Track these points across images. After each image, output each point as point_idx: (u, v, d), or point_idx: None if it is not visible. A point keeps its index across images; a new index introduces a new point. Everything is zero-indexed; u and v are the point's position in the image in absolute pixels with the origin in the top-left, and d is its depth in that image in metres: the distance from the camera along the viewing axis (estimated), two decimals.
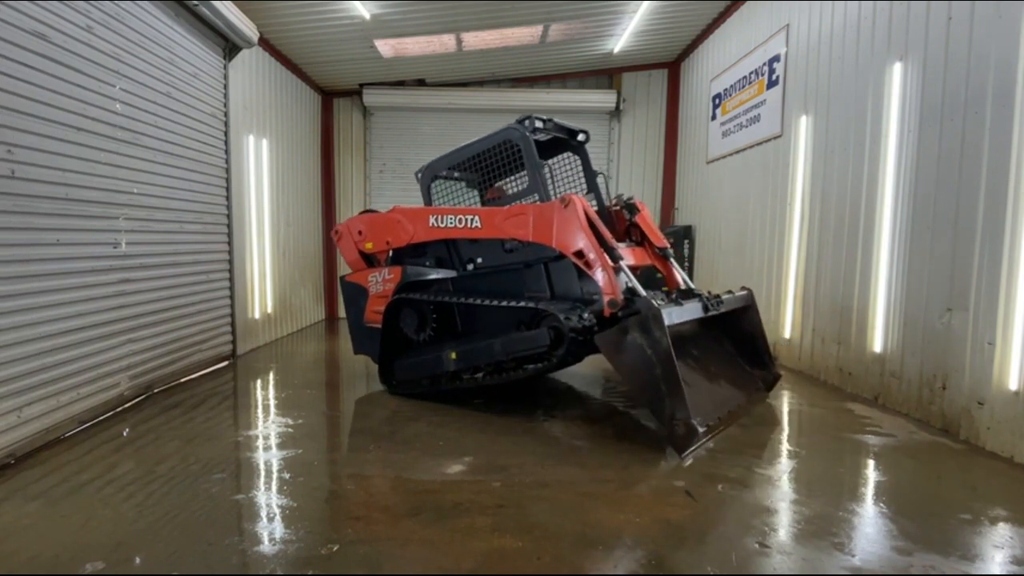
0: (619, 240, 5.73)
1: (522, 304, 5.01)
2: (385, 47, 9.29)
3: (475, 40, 9.28)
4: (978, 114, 4.47)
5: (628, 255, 5.32)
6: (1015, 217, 4.15)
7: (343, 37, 8.76)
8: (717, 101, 9.35)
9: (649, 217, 5.90)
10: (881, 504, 3.56)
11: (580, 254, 4.94)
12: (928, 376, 4.96)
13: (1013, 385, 4.15)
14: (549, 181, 5.82)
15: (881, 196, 5.53)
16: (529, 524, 3.24)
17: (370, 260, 6.40)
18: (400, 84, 11.22)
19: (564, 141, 6.07)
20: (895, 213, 5.38)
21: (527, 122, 5.42)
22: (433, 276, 5.82)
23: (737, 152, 8.63)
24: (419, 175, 6.20)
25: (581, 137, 6.09)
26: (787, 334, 7.22)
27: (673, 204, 11.32)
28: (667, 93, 11.36)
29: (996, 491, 3.71)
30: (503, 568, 2.82)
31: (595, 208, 5.72)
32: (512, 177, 5.92)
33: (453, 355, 5.41)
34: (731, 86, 8.82)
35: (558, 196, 5.40)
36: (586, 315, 4.85)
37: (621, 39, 9.65)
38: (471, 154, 5.78)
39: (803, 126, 6.92)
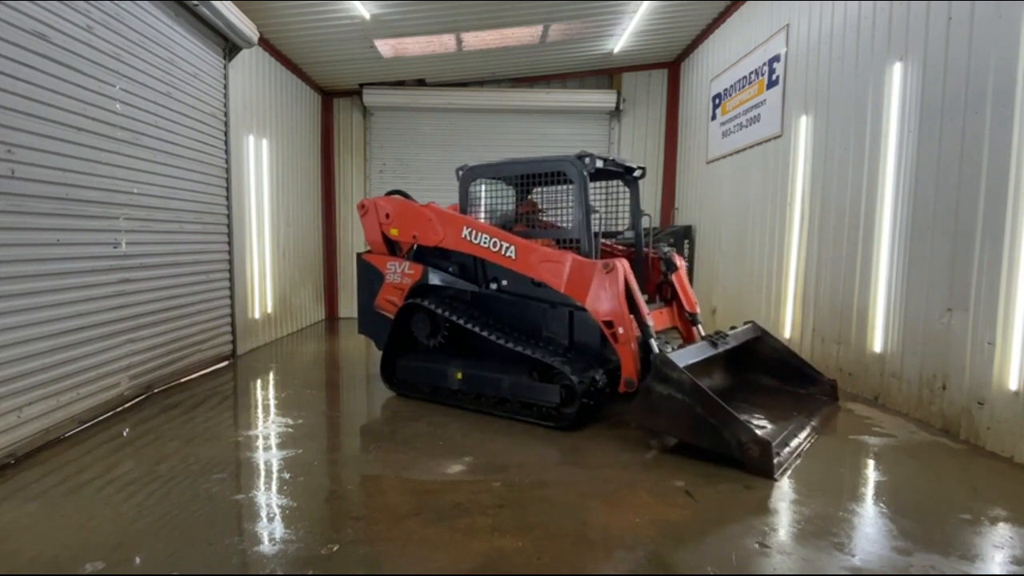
0: (649, 298, 5.61)
1: (537, 357, 4.93)
2: (385, 47, 9.29)
3: (475, 40, 9.28)
4: (978, 114, 4.47)
5: (654, 319, 5.13)
6: (1015, 217, 4.15)
7: (343, 37, 8.76)
8: (717, 101, 9.35)
9: (685, 277, 5.75)
10: (881, 504, 3.56)
11: (610, 324, 4.76)
12: (928, 376, 4.96)
13: (1013, 385, 4.15)
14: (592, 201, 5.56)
15: (881, 196, 5.53)
16: (529, 524, 3.23)
17: (391, 244, 6.29)
18: (400, 84, 11.22)
19: (618, 173, 5.84)
20: (895, 213, 5.38)
21: (587, 160, 5.08)
22: (452, 284, 5.73)
23: (737, 152, 8.63)
24: (459, 173, 5.95)
25: (637, 173, 5.88)
26: (787, 334, 7.22)
27: (673, 204, 11.32)
28: (667, 93, 11.36)
29: (996, 491, 3.70)
30: (503, 568, 2.82)
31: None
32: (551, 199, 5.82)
33: (459, 375, 5.37)
34: (731, 86, 8.82)
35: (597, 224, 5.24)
36: (600, 378, 4.81)
37: (621, 39, 9.65)
38: (519, 172, 5.55)
39: (803, 126, 6.92)
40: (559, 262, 5.02)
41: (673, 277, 5.65)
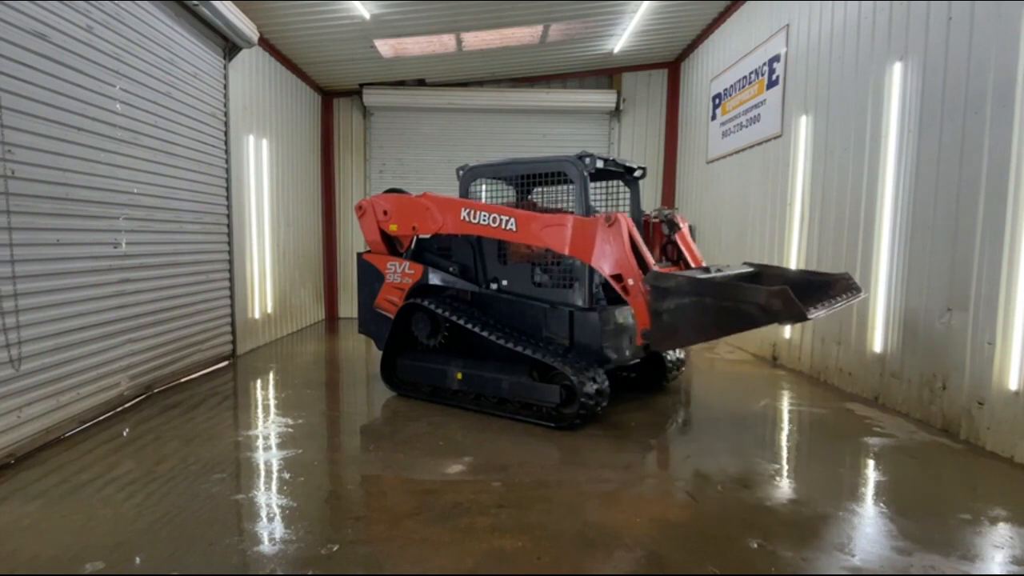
0: (655, 258, 5.55)
1: (537, 357, 4.92)
2: (385, 47, 9.29)
3: (475, 40, 9.28)
4: (978, 114, 4.47)
5: None
6: (1015, 217, 4.15)
7: (343, 37, 8.76)
8: (717, 101, 9.35)
9: (688, 235, 5.72)
10: (881, 504, 3.56)
11: (619, 278, 4.72)
12: (928, 376, 4.96)
13: (1013, 385, 4.15)
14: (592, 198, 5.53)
15: (881, 196, 5.53)
16: (529, 524, 3.24)
17: (391, 242, 6.30)
18: (400, 84, 11.22)
19: (619, 173, 5.84)
20: (895, 213, 5.38)
21: (587, 160, 5.08)
22: (453, 284, 5.72)
23: (737, 152, 8.63)
24: (460, 173, 5.94)
25: (638, 173, 5.88)
26: (787, 334, 7.22)
27: (673, 204, 11.31)
28: (667, 93, 11.36)
29: (996, 491, 3.71)
30: (503, 568, 2.82)
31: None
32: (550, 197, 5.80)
33: (459, 375, 5.38)
34: (731, 86, 8.82)
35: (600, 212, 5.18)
36: (602, 380, 4.81)
37: (621, 39, 9.65)
38: (520, 172, 5.54)
39: (803, 126, 6.92)
40: (561, 225, 5.01)
41: (676, 237, 5.59)
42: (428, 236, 6.10)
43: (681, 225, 5.61)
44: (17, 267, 4.20)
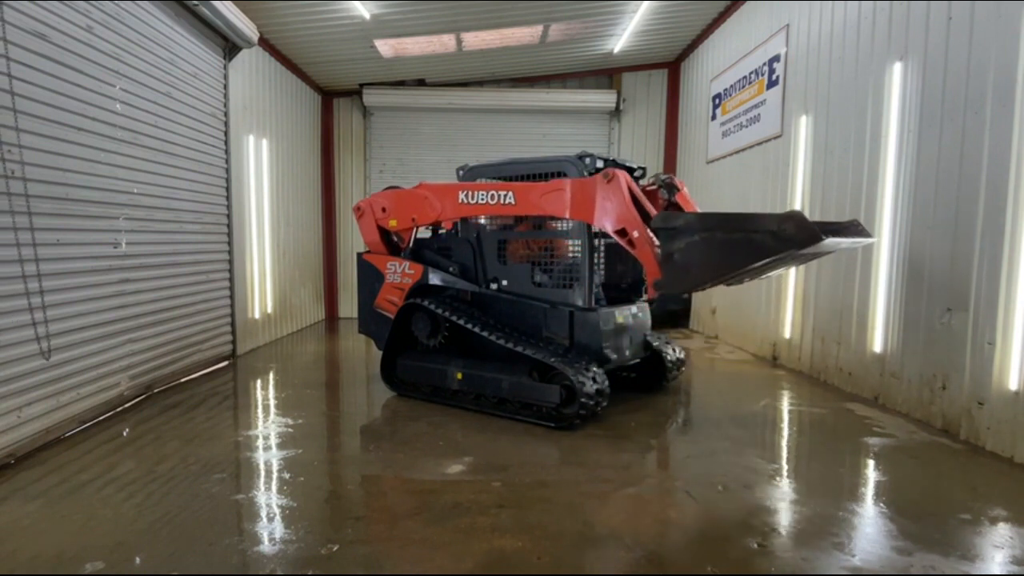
0: None
1: (537, 357, 4.92)
2: (385, 47, 9.29)
3: (475, 40, 9.28)
4: (978, 114, 4.47)
5: None
6: (1015, 217, 4.15)
7: (343, 37, 8.76)
8: (717, 101, 9.35)
9: (689, 196, 5.64)
10: (881, 504, 3.56)
11: (623, 233, 4.69)
12: (928, 376, 4.96)
13: (1013, 385, 4.15)
14: None
15: (881, 196, 5.53)
16: (529, 524, 3.24)
17: (390, 241, 6.30)
18: (400, 84, 11.22)
19: None
20: (895, 213, 5.38)
21: (587, 160, 5.07)
22: (453, 284, 5.71)
23: (737, 152, 8.63)
24: (460, 173, 5.96)
25: (638, 173, 5.82)
26: (787, 334, 7.22)
27: None
28: (667, 93, 11.36)
29: (996, 491, 3.71)
30: (503, 568, 2.82)
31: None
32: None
33: (459, 375, 5.37)
34: (731, 86, 8.82)
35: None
36: (602, 380, 4.81)
37: (621, 39, 9.65)
38: (519, 172, 5.51)
39: (803, 126, 6.92)
40: (559, 190, 5.01)
41: (677, 198, 5.53)
42: (428, 236, 6.11)
43: (680, 187, 5.54)
44: (17, 267, 4.19)
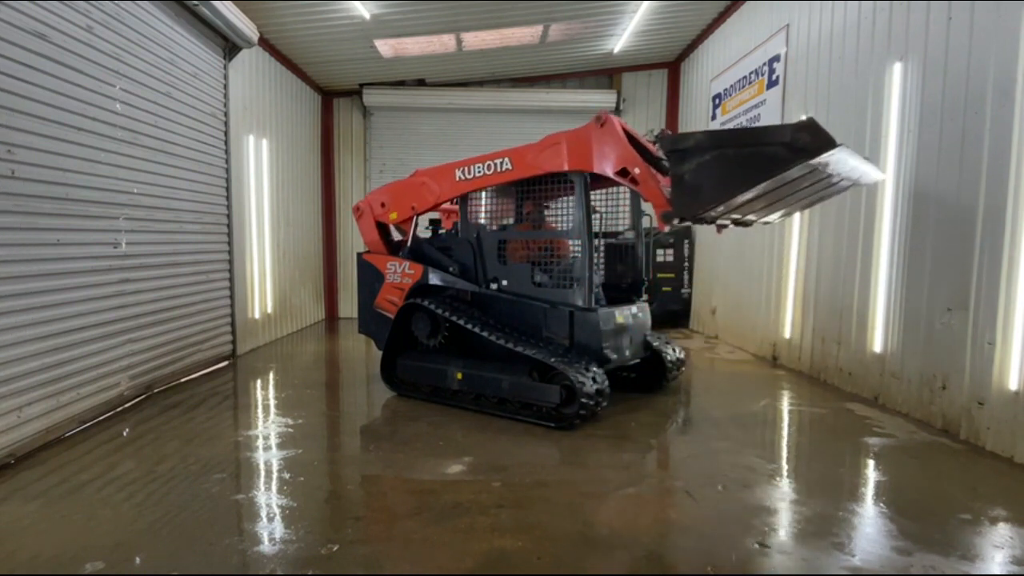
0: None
1: (537, 357, 4.92)
2: (385, 47, 9.29)
3: (475, 40, 9.28)
4: (978, 114, 4.47)
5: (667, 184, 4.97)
6: (1015, 217, 4.15)
7: (343, 37, 8.76)
8: (717, 101, 9.35)
9: None
10: (881, 504, 3.56)
11: (624, 172, 4.66)
12: (928, 376, 4.95)
13: (1013, 385, 4.15)
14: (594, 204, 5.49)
15: (881, 196, 5.53)
16: (529, 524, 3.23)
17: (390, 241, 6.29)
18: (400, 84, 11.22)
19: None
20: (895, 213, 5.38)
21: None
22: (453, 284, 5.71)
23: None
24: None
25: None
26: (787, 334, 7.22)
27: None
28: (667, 93, 11.36)
29: (996, 491, 3.70)
30: (503, 568, 2.82)
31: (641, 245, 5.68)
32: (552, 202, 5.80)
33: (459, 375, 5.37)
34: (731, 86, 8.82)
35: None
36: (601, 380, 4.81)
37: (621, 39, 9.65)
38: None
39: None
40: (556, 143, 5.05)
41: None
42: (429, 236, 6.10)
43: (670, 132, 5.45)
44: (17, 267, 4.19)
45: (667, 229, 4.60)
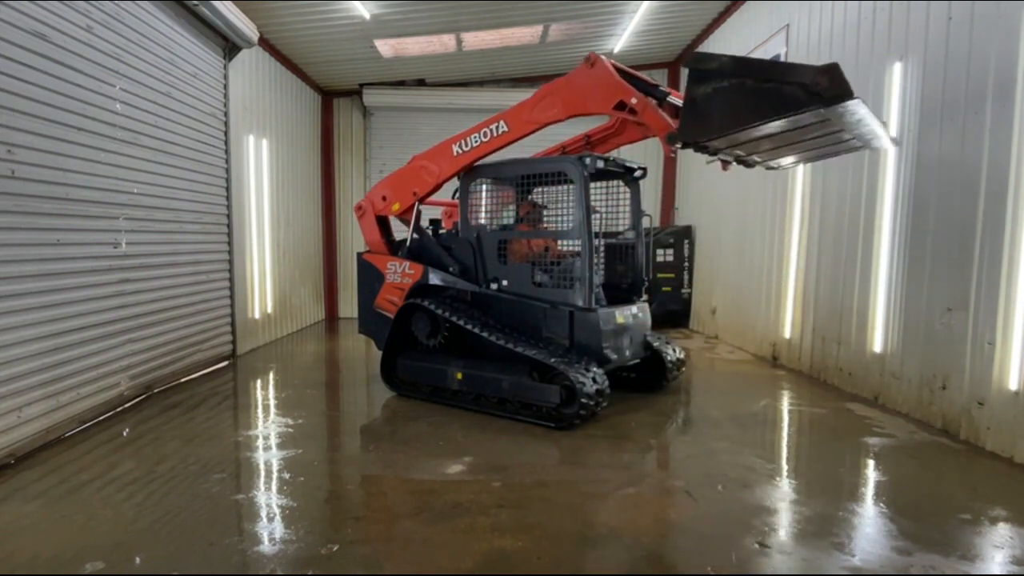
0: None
1: (537, 357, 4.92)
2: (385, 47, 9.29)
3: (475, 40, 9.28)
4: (978, 114, 4.47)
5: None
6: (1015, 217, 4.15)
7: (343, 37, 8.76)
8: None
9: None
10: (881, 504, 3.56)
11: (622, 105, 4.66)
12: (928, 376, 4.96)
13: (1013, 385, 4.15)
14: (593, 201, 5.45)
15: (881, 196, 5.53)
16: (529, 524, 3.23)
17: (391, 240, 6.30)
18: (400, 84, 11.22)
19: (620, 173, 5.79)
20: (895, 213, 5.38)
21: (588, 160, 5.03)
22: (453, 284, 5.69)
23: None
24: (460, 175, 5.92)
25: (638, 173, 5.84)
26: (787, 334, 7.22)
27: (673, 204, 11.32)
28: None
29: (996, 491, 3.70)
30: (503, 568, 2.82)
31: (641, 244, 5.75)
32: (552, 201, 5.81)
33: (459, 375, 5.37)
34: None
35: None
36: (602, 380, 4.81)
37: (621, 39, 9.65)
38: (521, 172, 5.48)
39: None
40: (550, 94, 5.09)
41: (672, 98, 5.26)
42: (428, 236, 6.08)
43: (670, 92, 5.29)
44: (17, 267, 4.19)
45: (672, 153, 4.54)
